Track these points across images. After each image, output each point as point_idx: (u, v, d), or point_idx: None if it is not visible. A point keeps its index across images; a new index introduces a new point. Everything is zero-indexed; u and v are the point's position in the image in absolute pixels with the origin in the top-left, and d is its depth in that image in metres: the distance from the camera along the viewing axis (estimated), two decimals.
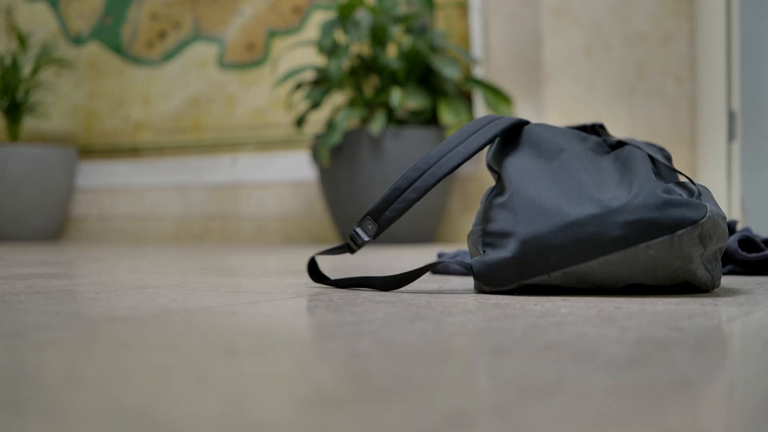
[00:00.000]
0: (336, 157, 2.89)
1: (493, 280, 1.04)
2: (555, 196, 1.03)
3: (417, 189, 1.10)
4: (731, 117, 2.80)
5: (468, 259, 1.41)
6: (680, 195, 1.01)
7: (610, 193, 1.02)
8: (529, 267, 1.02)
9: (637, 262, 0.99)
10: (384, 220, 1.11)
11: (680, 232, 0.97)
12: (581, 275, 1.01)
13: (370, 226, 1.12)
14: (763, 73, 2.77)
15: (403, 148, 2.87)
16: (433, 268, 1.25)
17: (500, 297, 1.03)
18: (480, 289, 1.07)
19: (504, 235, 1.04)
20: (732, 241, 1.35)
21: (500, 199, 1.08)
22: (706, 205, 0.99)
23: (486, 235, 1.08)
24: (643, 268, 0.99)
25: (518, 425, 0.43)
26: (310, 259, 1.22)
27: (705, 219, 0.97)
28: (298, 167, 3.44)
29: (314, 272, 1.22)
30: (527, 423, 0.43)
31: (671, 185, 1.04)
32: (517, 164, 1.09)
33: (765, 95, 2.77)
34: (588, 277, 1.01)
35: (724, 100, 2.82)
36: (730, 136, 2.81)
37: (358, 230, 1.13)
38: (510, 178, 1.08)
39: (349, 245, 1.14)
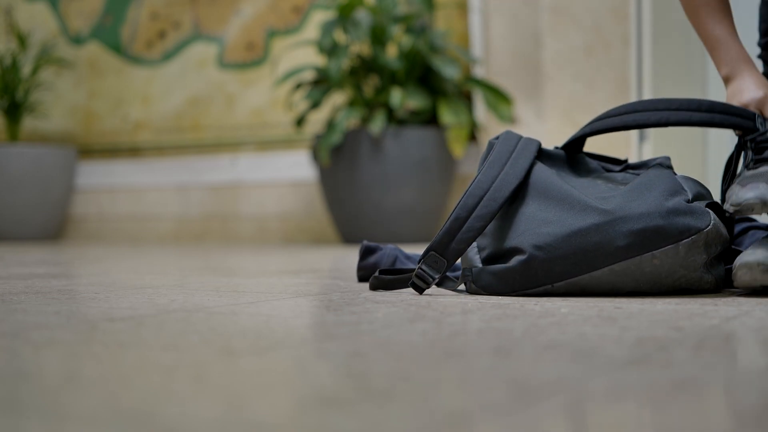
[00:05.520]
0: (336, 157, 2.89)
1: (492, 289, 1.04)
2: (558, 212, 1.02)
3: (482, 216, 1.03)
4: None
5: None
6: (685, 194, 1.01)
7: (613, 202, 1.00)
8: (532, 277, 1.01)
9: (641, 272, 0.98)
10: (451, 253, 1.03)
11: (685, 240, 0.97)
12: (585, 285, 1.00)
13: (437, 261, 1.04)
14: None
15: (403, 148, 2.87)
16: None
17: (500, 297, 1.03)
18: (473, 291, 1.07)
19: (507, 248, 1.03)
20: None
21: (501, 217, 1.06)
22: (709, 212, 0.99)
23: (484, 249, 1.06)
24: (648, 277, 0.99)
25: (518, 425, 0.43)
26: (369, 278, 1.14)
27: (709, 227, 0.97)
28: (298, 167, 3.43)
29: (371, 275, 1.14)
30: (527, 423, 0.43)
31: (677, 180, 1.03)
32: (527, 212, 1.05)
33: None
34: (592, 288, 1.01)
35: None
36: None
37: (425, 269, 1.03)
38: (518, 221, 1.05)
39: (416, 284, 1.04)
